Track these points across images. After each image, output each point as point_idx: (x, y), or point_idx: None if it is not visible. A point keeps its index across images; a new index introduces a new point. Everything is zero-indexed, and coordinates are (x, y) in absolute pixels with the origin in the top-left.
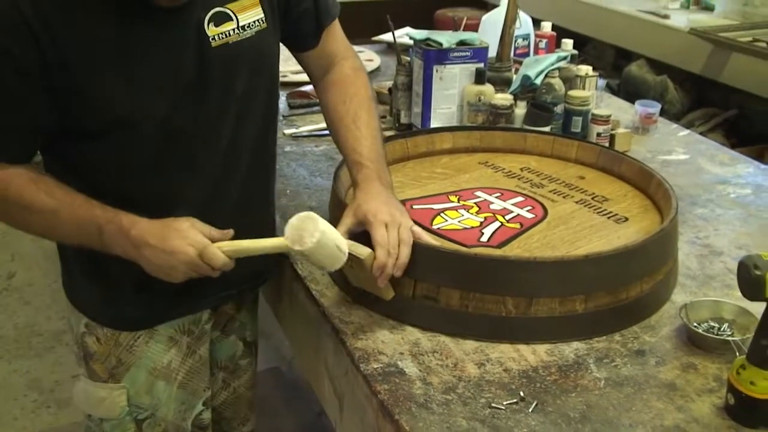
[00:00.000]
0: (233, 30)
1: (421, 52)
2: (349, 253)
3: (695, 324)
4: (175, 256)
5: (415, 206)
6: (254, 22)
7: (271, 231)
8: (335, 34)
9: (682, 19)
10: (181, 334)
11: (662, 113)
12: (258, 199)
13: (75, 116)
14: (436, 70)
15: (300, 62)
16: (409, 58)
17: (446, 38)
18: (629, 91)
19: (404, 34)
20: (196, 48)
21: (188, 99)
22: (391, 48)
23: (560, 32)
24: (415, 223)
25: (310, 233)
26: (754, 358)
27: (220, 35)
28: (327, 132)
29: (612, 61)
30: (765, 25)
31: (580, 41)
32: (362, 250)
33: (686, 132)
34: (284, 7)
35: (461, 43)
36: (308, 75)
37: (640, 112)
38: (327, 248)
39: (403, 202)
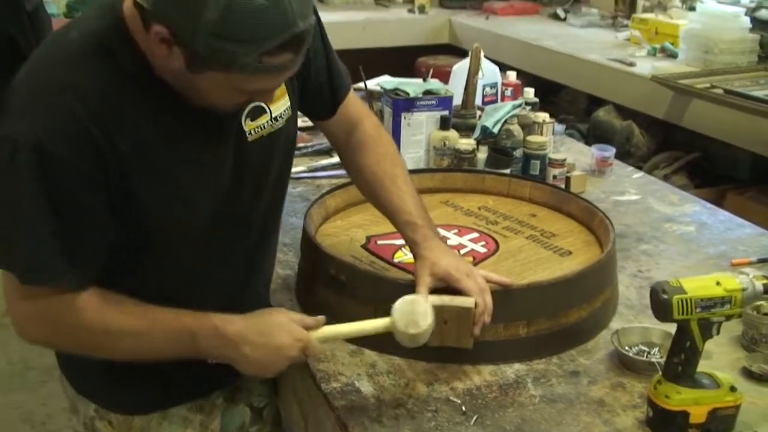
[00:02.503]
0: (267, 122)
1: (391, 100)
2: (445, 309)
3: (626, 348)
4: (281, 353)
5: (379, 242)
6: (284, 111)
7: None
8: (350, 99)
9: (646, 67)
10: (194, 413)
11: (628, 156)
12: (270, 260)
13: (129, 223)
14: (404, 117)
15: (320, 128)
16: (381, 105)
17: (413, 88)
18: (597, 136)
19: (377, 84)
20: (234, 144)
21: (227, 194)
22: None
23: (535, 80)
24: (379, 257)
25: (423, 316)
26: (668, 374)
27: (256, 129)
28: (305, 175)
29: (585, 107)
30: (723, 72)
31: (555, 88)
32: (467, 302)
33: (640, 174)
34: (301, 85)
35: (428, 92)
36: (329, 138)
37: (596, 155)
38: (430, 330)
39: (369, 238)
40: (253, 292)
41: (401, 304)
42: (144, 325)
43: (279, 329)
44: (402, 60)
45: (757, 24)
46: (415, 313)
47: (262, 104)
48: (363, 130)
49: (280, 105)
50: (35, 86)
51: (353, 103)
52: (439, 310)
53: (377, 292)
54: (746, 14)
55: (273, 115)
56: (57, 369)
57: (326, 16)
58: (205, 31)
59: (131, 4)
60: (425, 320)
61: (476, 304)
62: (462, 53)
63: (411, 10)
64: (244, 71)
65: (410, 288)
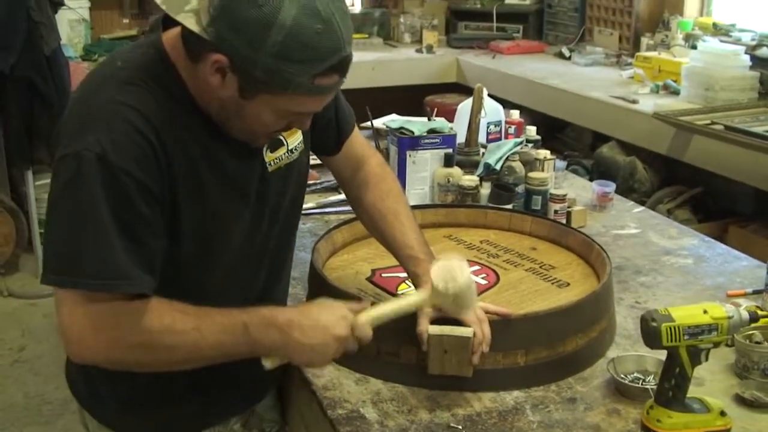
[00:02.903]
0: (284, 154)
1: (396, 139)
2: (444, 339)
3: (622, 376)
4: (329, 332)
5: (383, 275)
6: (299, 144)
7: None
8: (354, 137)
9: (649, 104)
10: None
11: (632, 192)
12: (284, 292)
13: (171, 238)
14: (410, 155)
15: (326, 164)
16: (387, 143)
17: (418, 126)
18: (601, 172)
19: (383, 123)
20: (258, 173)
21: (250, 221)
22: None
23: (542, 118)
24: (383, 290)
25: (459, 269)
26: (660, 399)
27: (275, 160)
28: (314, 211)
29: (589, 143)
30: (723, 109)
31: (560, 125)
32: (466, 332)
33: (641, 209)
34: (312, 120)
35: (432, 131)
36: (335, 175)
37: (597, 191)
38: (473, 284)
39: (373, 271)
40: None
41: (435, 269)
42: (200, 322)
43: (324, 310)
44: (411, 99)
45: (757, 62)
46: (451, 269)
47: (281, 137)
48: (368, 167)
49: (296, 138)
50: (94, 106)
51: (358, 141)
52: (439, 340)
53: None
54: (746, 52)
55: (289, 147)
56: (73, 402)
57: None
58: (267, 55)
59: (173, 40)
60: (462, 274)
61: (474, 334)
62: (470, 92)
63: (419, 50)
64: (298, 91)
65: (409, 320)
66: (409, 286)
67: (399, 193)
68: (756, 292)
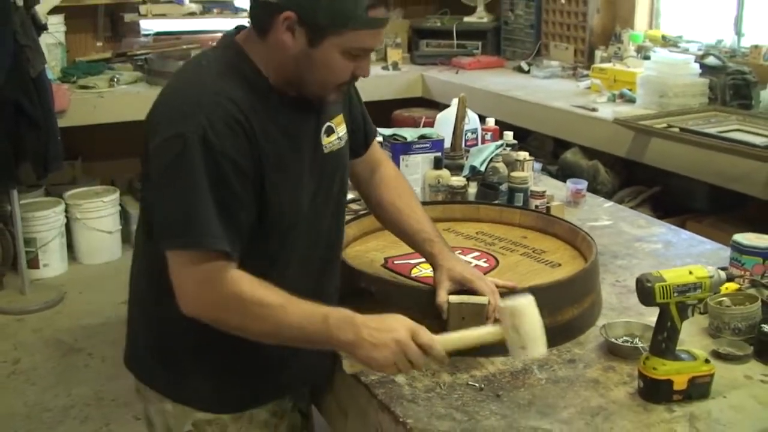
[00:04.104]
0: (336, 140)
1: (390, 145)
2: (463, 307)
3: (613, 339)
4: (391, 334)
5: (396, 261)
6: (344, 134)
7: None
8: (375, 143)
9: (608, 111)
10: (271, 416)
11: (595, 192)
12: (336, 275)
13: (260, 212)
14: (403, 159)
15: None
16: None
17: (410, 133)
18: (566, 175)
19: None
20: (320, 153)
21: (312, 195)
22: None
23: (506, 127)
24: (398, 273)
25: (529, 306)
26: (654, 349)
27: (329, 144)
28: None
29: (552, 150)
30: (678, 113)
31: (523, 134)
32: (482, 299)
33: (610, 204)
34: (348, 121)
35: (422, 137)
36: (354, 176)
37: (571, 188)
38: (536, 320)
39: (386, 258)
40: (321, 298)
41: (504, 305)
42: (286, 301)
43: (393, 319)
44: (379, 113)
45: (706, 69)
46: (519, 305)
47: (332, 124)
48: (384, 169)
49: (342, 128)
50: (191, 94)
51: (376, 147)
52: (458, 308)
53: (403, 299)
54: (695, 61)
55: (338, 135)
56: (72, 409)
57: None
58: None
59: (242, 37)
60: (530, 311)
61: (489, 302)
62: (434, 105)
63: (385, 67)
64: (357, 26)
65: (430, 293)
66: (421, 270)
67: (412, 193)
68: (722, 269)
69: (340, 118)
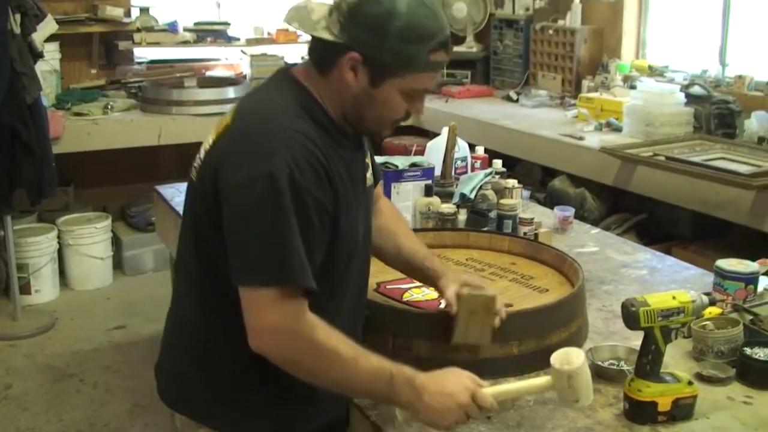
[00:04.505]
0: (369, 176)
1: (382, 172)
2: (474, 300)
3: (599, 362)
4: (453, 398)
5: (388, 286)
6: (371, 174)
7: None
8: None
9: (595, 140)
10: None
11: (582, 220)
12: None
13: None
14: (394, 187)
15: None
16: None
17: (401, 161)
18: (554, 203)
19: None
20: (364, 189)
21: (363, 234)
22: None
23: (495, 155)
24: (390, 298)
25: (576, 356)
26: (639, 372)
27: (368, 179)
28: None
29: (539, 178)
30: (664, 142)
31: (512, 162)
32: (491, 291)
33: (597, 230)
34: None
35: (413, 164)
36: None
37: (558, 215)
38: (588, 373)
39: (378, 284)
40: (359, 323)
41: (555, 354)
42: (355, 353)
43: (451, 379)
44: (369, 141)
45: (691, 99)
46: (569, 353)
47: (368, 161)
48: (382, 201)
49: (368, 167)
50: (273, 133)
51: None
52: (468, 300)
53: (396, 322)
54: (681, 90)
55: (370, 170)
56: (92, 429)
57: None
58: (392, 40)
59: (302, 74)
60: (578, 359)
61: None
62: (424, 133)
63: None
64: (418, 69)
65: (424, 317)
66: (413, 295)
67: (405, 223)
68: (705, 294)
69: (368, 154)
